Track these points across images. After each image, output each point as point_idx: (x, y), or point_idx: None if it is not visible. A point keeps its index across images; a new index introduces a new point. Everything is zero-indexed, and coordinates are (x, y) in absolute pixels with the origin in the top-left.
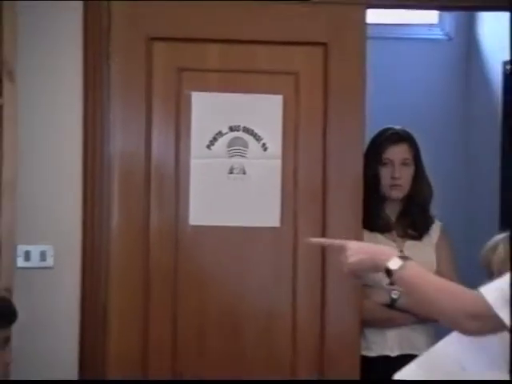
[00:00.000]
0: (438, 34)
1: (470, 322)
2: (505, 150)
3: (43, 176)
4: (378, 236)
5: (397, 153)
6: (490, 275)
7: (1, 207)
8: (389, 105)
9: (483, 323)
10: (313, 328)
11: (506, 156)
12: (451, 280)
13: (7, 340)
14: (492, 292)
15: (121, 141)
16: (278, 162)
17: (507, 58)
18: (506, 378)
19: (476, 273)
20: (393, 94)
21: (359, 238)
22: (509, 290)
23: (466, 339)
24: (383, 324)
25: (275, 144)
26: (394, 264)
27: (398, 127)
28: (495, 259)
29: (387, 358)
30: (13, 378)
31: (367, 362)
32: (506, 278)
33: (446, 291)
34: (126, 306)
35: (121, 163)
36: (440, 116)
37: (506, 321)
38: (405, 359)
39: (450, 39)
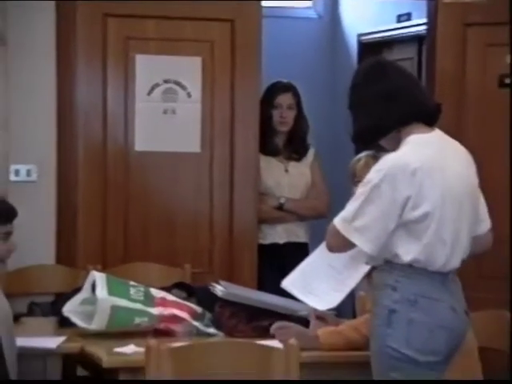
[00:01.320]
0: (311, 13)
1: (330, 238)
2: None
3: (30, 113)
4: (270, 158)
5: (284, 99)
6: (355, 182)
7: None
8: (277, 66)
9: (339, 243)
10: (224, 224)
11: None
12: (321, 187)
13: (10, 233)
14: (338, 220)
15: (84, 90)
16: (199, 105)
17: (362, 31)
18: (366, 268)
19: (343, 182)
20: (281, 58)
21: (257, 159)
22: (350, 218)
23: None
24: (274, 221)
25: (197, 92)
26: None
27: (285, 81)
28: (358, 167)
29: (277, 244)
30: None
31: (262, 248)
32: (350, 206)
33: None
34: (90, 211)
35: (84, 106)
36: (314, 73)
37: (351, 239)
38: (289, 245)
39: (320, 18)
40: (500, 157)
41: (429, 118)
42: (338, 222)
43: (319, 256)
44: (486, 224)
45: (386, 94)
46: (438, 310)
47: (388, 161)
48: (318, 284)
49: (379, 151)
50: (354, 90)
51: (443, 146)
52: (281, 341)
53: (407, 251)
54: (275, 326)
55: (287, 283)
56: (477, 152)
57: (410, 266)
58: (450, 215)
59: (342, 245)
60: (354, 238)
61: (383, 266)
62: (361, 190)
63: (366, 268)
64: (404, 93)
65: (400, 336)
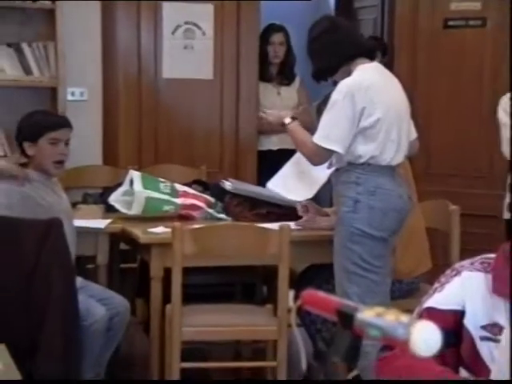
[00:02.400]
0: None
1: (314, 157)
2: None
3: (82, 50)
4: (266, 84)
5: (277, 38)
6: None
7: (58, 69)
8: (272, 11)
9: (322, 156)
10: (231, 135)
11: None
12: (306, 106)
13: (69, 140)
14: (317, 138)
15: (123, 31)
16: (212, 42)
17: None
18: (329, 171)
19: None
20: (275, 5)
21: (257, 84)
22: (326, 133)
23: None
24: (273, 133)
25: (210, 31)
26: (287, 120)
27: (277, 23)
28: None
29: (271, 150)
30: None
31: (260, 154)
32: (323, 125)
33: (306, 142)
34: (128, 123)
35: (123, 44)
36: (301, 17)
37: (333, 148)
38: (282, 151)
39: None
40: (445, 86)
41: (369, 54)
42: (317, 139)
43: (293, 165)
44: (414, 133)
45: (334, 42)
46: (390, 198)
47: (345, 83)
48: (294, 184)
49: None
50: (311, 41)
51: (384, 72)
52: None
53: (366, 151)
54: (303, 221)
55: (271, 185)
56: (426, 81)
57: (368, 164)
58: (395, 120)
59: (323, 157)
60: (334, 147)
61: (347, 167)
62: (328, 108)
63: (328, 172)
64: (347, 39)
65: (363, 219)
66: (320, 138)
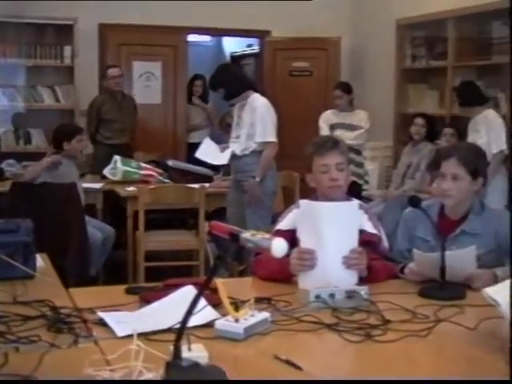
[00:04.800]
0: (209, 42)
1: (274, 150)
2: None
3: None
4: (192, 106)
5: (199, 81)
6: None
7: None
8: (195, 66)
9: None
10: (172, 133)
11: None
12: None
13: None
14: (266, 135)
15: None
16: (160, 82)
17: (232, 50)
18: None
19: None
20: (196, 63)
21: (186, 106)
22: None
23: None
24: (196, 131)
25: (159, 76)
26: (257, 178)
27: (199, 73)
28: None
29: (194, 142)
30: None
31: (188, 144)
32: (263, 126)
33: (268, 155)
34: None
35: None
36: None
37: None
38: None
39: (213, 44)
40: (291, 106)
41: (255, 88)
42: (271, 137)
43: (207, 142)
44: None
45: (232, 78)
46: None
47: (263, 102)
48: (213, 154)
49: None
50: (216, 80)
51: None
52: None
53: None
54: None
55: (199, 155)
56: (282, 103)
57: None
58: None
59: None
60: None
61: (250, 154)
62: (261, 119)
63: (229, 150)
64: (239, 77)
65: (268, 185)
66: (272, 136)
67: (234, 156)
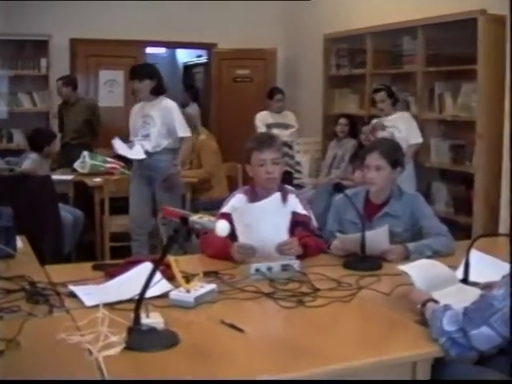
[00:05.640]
0: (165, 53)
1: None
2: None
3: None
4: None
5: None
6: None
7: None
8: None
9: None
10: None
11: None
12: None
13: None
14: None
15: (83, 85)
16: (122, 88)
17: (184, 60)
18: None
19: None
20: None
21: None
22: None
23: None
24: None
25: (121, 83)
26: None
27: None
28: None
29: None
30: None
31: None
32: (181, 121)
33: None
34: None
35: (84, 91)
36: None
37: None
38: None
39: (168, 55)
40: (235, 107)
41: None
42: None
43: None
44: None
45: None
46: None
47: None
48: (130, 150)
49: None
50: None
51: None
52: None
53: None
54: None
55: (121, 152)
56: (225, 104)
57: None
58: None
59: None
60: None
61: (162, 151)
62: (175, 115)
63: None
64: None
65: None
66: (188, 131)
67: (145, 152)
